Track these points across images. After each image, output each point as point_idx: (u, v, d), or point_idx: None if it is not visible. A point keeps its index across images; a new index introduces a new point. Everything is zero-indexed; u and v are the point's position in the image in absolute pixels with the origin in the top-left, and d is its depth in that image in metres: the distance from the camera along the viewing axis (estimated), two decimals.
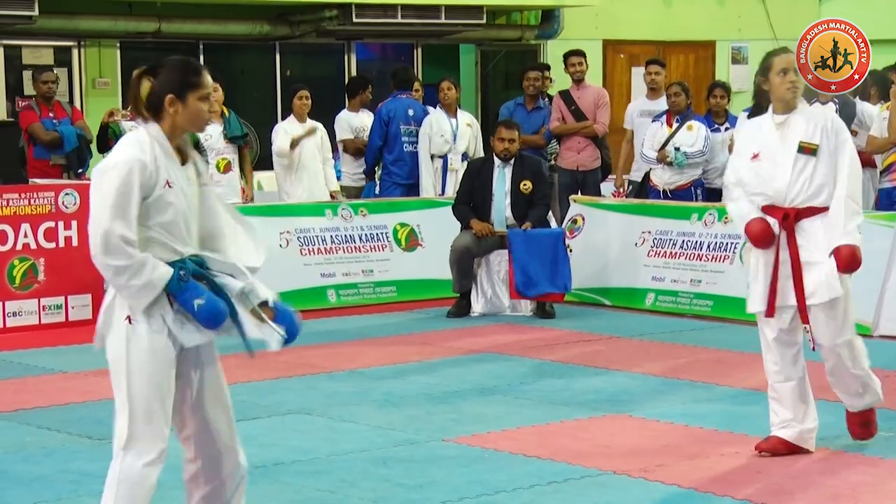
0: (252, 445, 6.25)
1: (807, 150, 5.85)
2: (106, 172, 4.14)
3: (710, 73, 17.15)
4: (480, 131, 12.24)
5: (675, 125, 11.37)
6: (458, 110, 12.30)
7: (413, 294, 11.01)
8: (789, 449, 5.91)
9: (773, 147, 5.93)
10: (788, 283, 5.86)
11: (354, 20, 14.35)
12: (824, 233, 5.81)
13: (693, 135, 11.29)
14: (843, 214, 5.78)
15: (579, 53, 12.59)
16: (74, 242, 9.63)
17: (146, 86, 4.25)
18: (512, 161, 10.36)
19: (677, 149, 11.21)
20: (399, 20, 14.57)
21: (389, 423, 6.73)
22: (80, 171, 11.22)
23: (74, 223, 9.63)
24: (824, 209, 5.84)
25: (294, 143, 11.47)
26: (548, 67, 12.86)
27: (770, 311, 5.87)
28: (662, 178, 11.33)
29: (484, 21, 15.12)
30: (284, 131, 11.61)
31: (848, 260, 5.75)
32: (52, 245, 9.72)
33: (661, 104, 11.92)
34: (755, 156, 5.98)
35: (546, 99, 12.71)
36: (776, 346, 5.90)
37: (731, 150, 11.75)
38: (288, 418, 6.87)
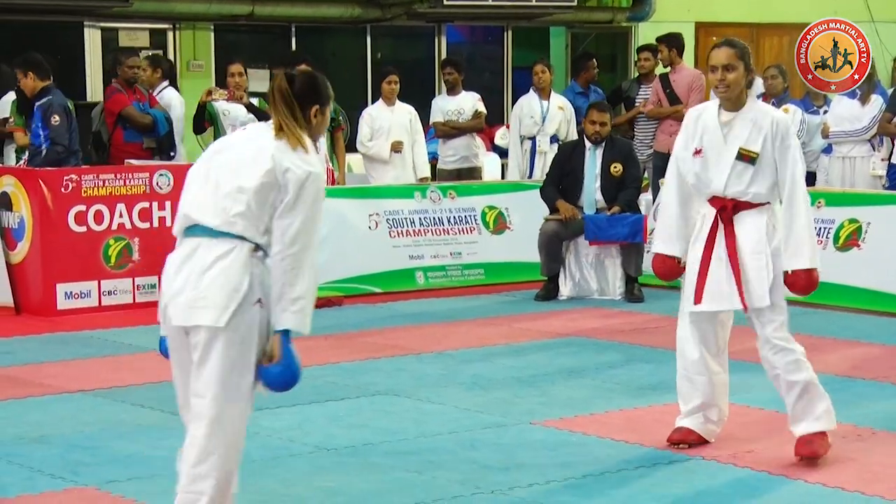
0: (340, 426, 6.33)
1: (745, 157, 5.55)
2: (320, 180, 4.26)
3: None
4: (575, 115, 12.19)
5: None
6: (552, 93, 12.31)
7: (501, 277, 11.01)
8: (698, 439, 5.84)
9: (717, 146, 5.60)
10: (728, 284, 5.61)
11: (445, 3, 14.37)
12: (764, 233, 5.56)
13: (788, 118, 11.16)
14: (806, 237, 5.51)
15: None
16: (168, 222, 9.68)
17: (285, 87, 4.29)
18: (603, 144, 10.32)
19: None
20: (490, 3, 14.56)
21: (477, 405, 6.75)
22: (171, 154, 11.25)
23: (168, 204, 9.75)
24: (765, 204, 5.58)
25: (395, 147, 11.55)
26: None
27: (697, 299, 5.68)
28: None
29: (575, 3, 15.05)
30: (371, 116, 11.64)
31: (808, 284, 5.55)
32: (147, 225, 9.87)
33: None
34: (697, 152, 5.66)
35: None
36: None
37: (824, 135, 11.67)
38: (376, 399, 6.91)
